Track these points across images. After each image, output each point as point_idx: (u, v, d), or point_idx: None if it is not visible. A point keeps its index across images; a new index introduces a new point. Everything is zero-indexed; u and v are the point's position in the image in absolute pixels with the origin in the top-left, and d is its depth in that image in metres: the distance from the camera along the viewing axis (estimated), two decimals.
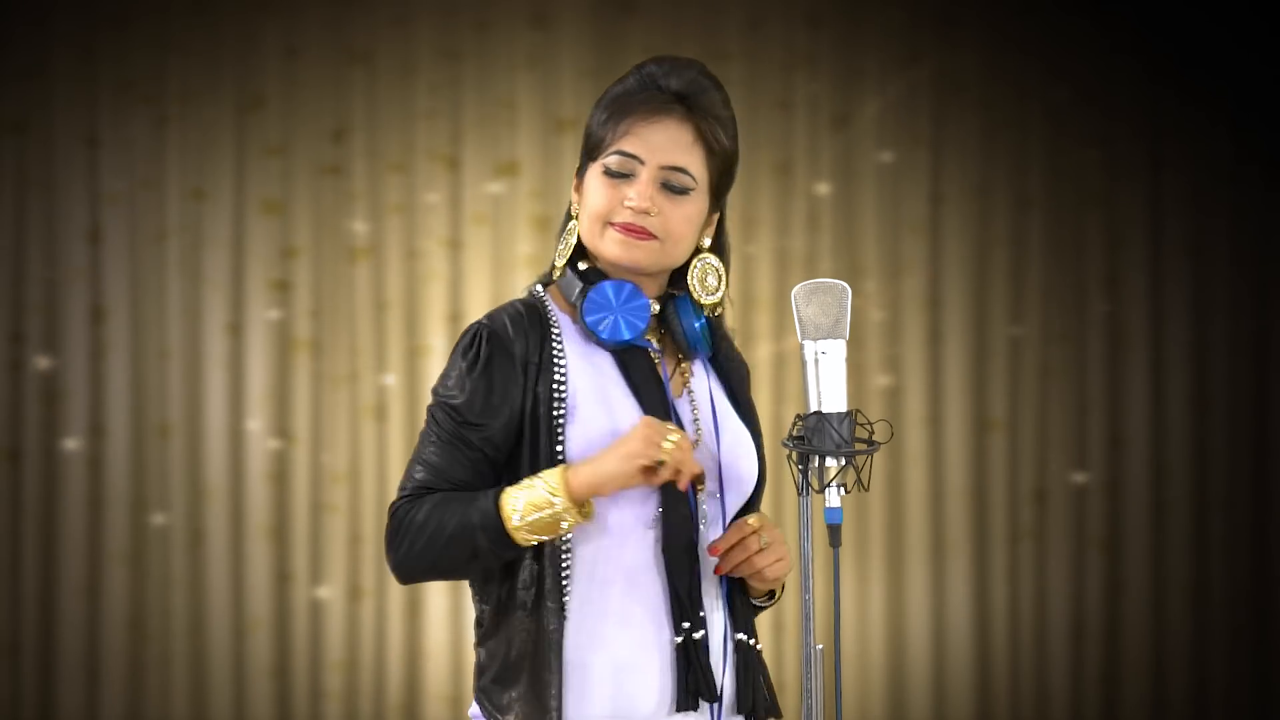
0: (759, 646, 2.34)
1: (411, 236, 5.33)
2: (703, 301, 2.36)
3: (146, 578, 5.28)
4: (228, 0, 5.32)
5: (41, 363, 5.28)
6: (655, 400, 2.29)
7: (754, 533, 2.28)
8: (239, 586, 5.29)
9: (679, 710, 2.27)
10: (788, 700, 5.40)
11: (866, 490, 2.13)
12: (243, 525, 5.29)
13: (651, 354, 2.34)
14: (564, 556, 2.26)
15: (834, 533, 2.12)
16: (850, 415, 2.10)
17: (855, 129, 5.42)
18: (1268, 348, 5.46)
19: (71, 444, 5.26)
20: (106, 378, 5.28)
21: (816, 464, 2.10)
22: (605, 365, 2.32)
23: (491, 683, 2.29)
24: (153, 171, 5.29)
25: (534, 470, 2.25)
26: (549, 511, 2.21)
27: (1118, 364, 5.46)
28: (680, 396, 2.35)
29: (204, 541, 5.28)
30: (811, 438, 2.09)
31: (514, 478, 2.26)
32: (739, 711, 2.32)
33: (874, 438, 2.12)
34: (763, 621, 2.41)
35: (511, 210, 5.32)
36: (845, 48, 5.42)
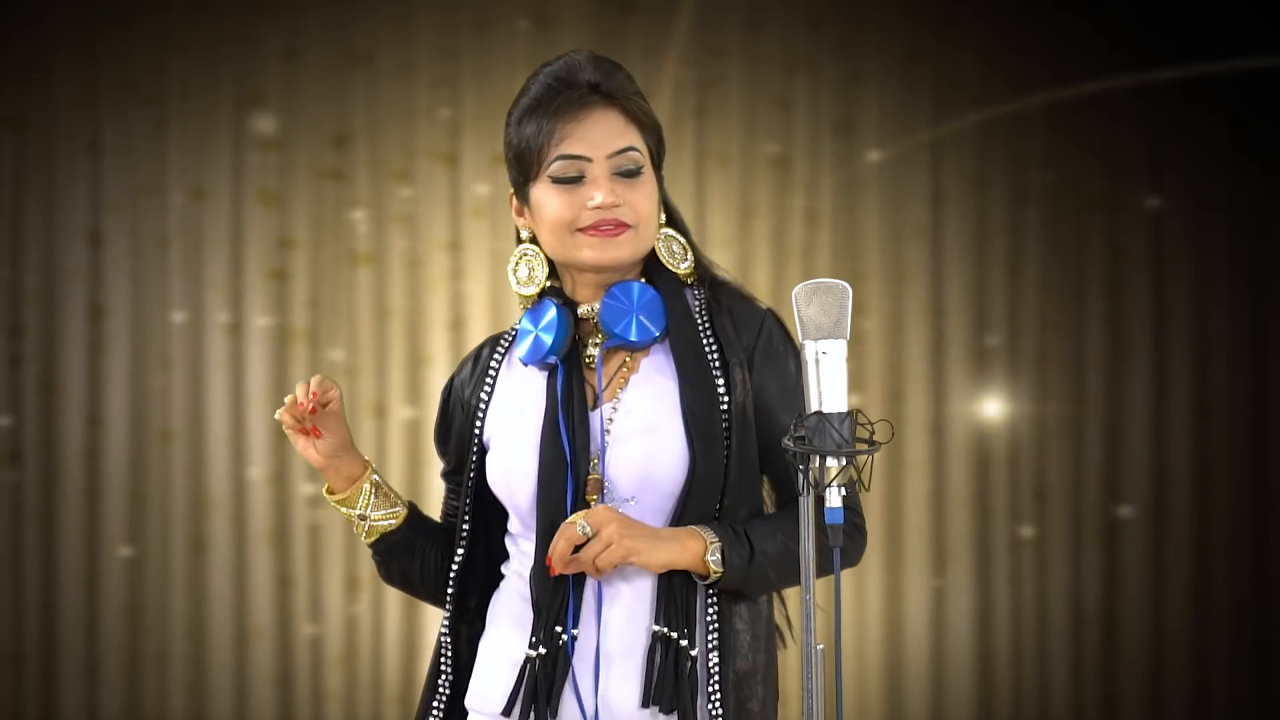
0: (684, 643, 2.26)
1: (412, 236, 5.33)
2: (679, 270, 2.36)
3: (145, 577, 5.28)
4: (228, 0, 5.32)
5: (38, 363, 5.28)
6: (557, 415, 2.29)
7: (571, 524, 2.24)
8: (239, 587, 5.29)
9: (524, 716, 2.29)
10: (788, 700, 5.40)
11: (867, 490, 2.13)
12: (243, 528, 5.29)
13: (584, 361, 2.35)
14: (454, 565, 2.39)
15: (834, 533, 2.12)
16: (851, 415, 2.10)
17: (855, 129, 5.42)
18: (1268, 347, 5.46)
19: (71, 443, 5.27)
20: (106, 376, 5.28)
21: (817, 464, 2.10)
22: (538, 385, 2.35)
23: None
24: (153, 172, 5.29)
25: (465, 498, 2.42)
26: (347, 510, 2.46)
27: (1118, 363, 5.46)
28: (614, 397, 2.32)
29: (204, 543, 5.28)
30: (812, 438, 2.09)
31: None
32: (648, 705, 2.25)
33: (874, 438, 2.12)
34: None
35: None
36: (845, 48, 5.42)
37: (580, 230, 2.29)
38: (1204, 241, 5.46)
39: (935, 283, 5.44)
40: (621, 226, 2.29)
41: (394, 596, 5.29)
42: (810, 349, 2.12)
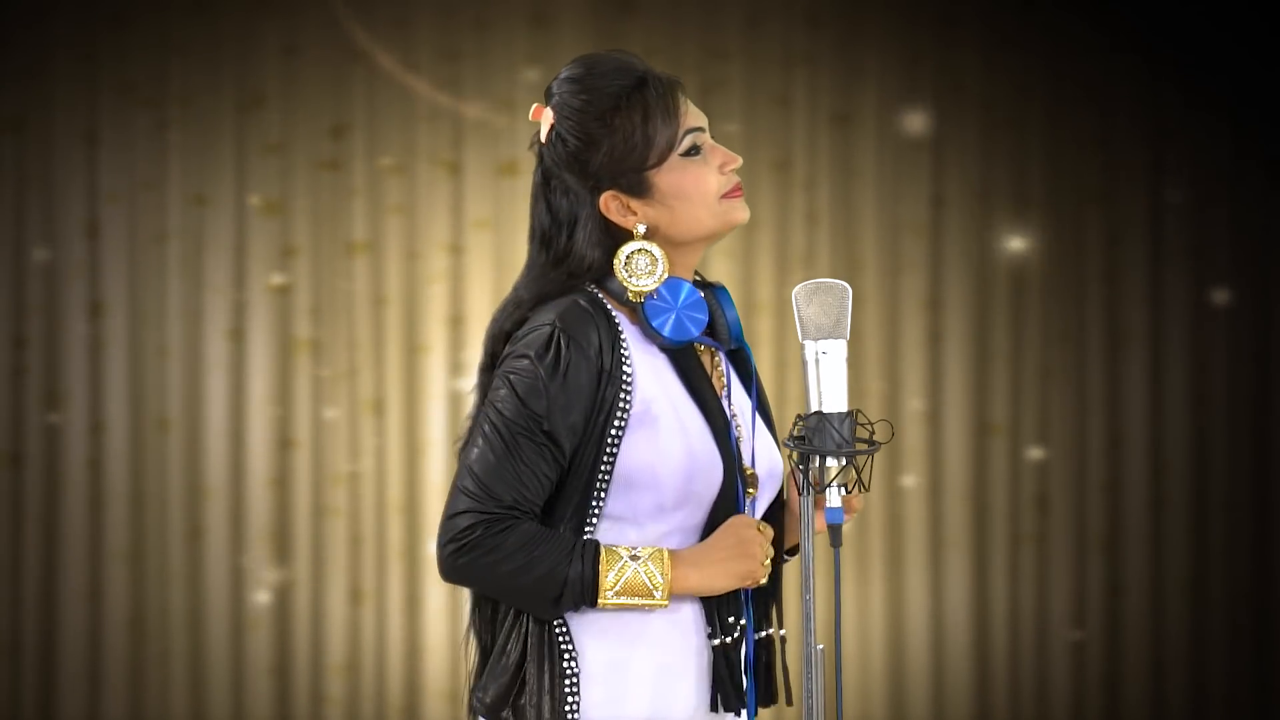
0: (783, 633, 2.35)
1: (412, 237, 5.33)
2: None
3: (145, 575, 5.29)
4: (228, 0, 5.32)
5: (38, 357, 5.28)
6: (714, 405, 2.28)
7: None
8: (239, 585, 5.29)
9: (712, 710, 2.28)
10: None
11: (867, 490, 2.13)
12: (242, 524, 5.29)
13: (700, 350, 2.34)
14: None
15: (835, 533, 2.12)
16: (851, 415, 2.10)
17: (855, 128, 5.42)
18: (1268, 347, 5.46)
19: (71, 439, 5.27)
20: (105, 373, 5.28)
21: (817, 464, 2.10)
22: (664, 369, 2.30)
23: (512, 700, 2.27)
24: (152, 172, 5.29)
25: (573, 473, 2.23)
26: (644, 601, 2.21)
27: (1118, 363, 5.46)
28: (720, 394, 2.34)
29: (203, 539, 5.28)
30: (812, 438, 2.09)
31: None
32: (766, 704, 2.34)
33: (874, 437, 2.12)
34: None
35: (511, 209, 5.32)
36: (845, 48, 5.42)
37: (724, 196, 2.31)
38: (1204, 241, 5.46)
39: (934, 281, 5.44)
40: (740, 186, 2.34)
41: (395, 597, 5.29)
42: (810, 349, 2.12)
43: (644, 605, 2.20)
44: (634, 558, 2.21)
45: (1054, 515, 5.45)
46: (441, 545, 2.21)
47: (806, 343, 2.12)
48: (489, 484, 2.20)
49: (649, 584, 2.20)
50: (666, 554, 2.22)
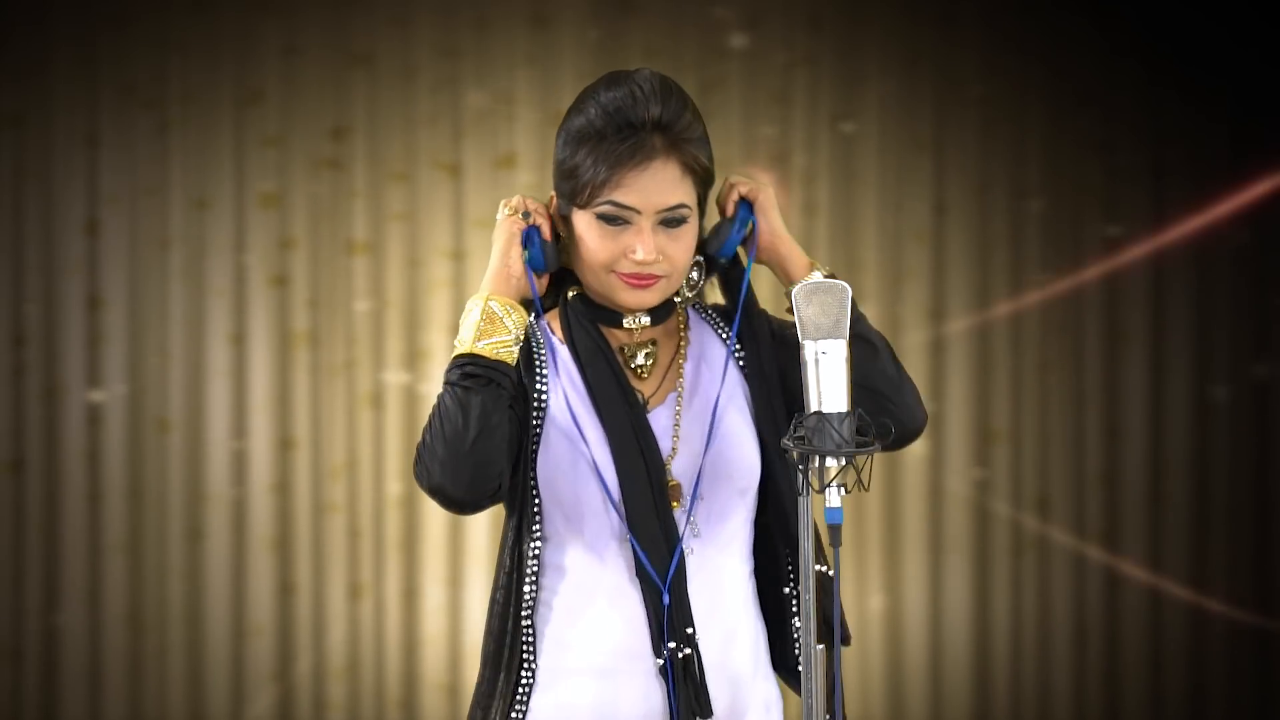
0: (831, 573, 2.33)
1: (412, 236, 5.33)
2: (685, 294, 2.43)
3: (145, 573, 5.29)
4: (227, 0, 5.32)
5: (40, 357, 5.29)
6: (619, 416, 2.32)
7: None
8: (239, 584, 5.30)
9: None
10: (788, 700, 5.41)
11: (866, 490, 2.12)
12: (243, 524, 5.29)
13: (618, 361, 2.38)
14: (529, 563, 2.33)
15: (834, 533, 2.12)
16: (850, 415, 2.10)
17: (855, 129, 5.42)
18: (1268, 347, 5.46)
19: (72, 436, 5.27)
20: (105, 372, 5.28)
21: (817, 464, 2.10)
22: (578, 382, 2.37)
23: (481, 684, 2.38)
24: (152, 172, 5.29)
25: (511, 494, 2.34)
26: (474, 312, 2.33)
27: (1118, 363, 5.47)
28: (662, 403, 2.37)
29: (203, 537, 5.29)
30: (812, 438, 2.09)
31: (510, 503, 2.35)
32: (819, 641, 2.35)
33: (874, 437, 2.12)
34: None
35: None
36: (845, 48, 5.42)
37: (615, 272, 2.33)
38: (1205, 241, 5.46)
39: (934, 280, 5.44)
40: (654, 278, 2.34)
41: (394, 598, 5.29)
42: (810, 349, 2.12)
43: (482, 316, 2.32)
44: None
45: (1054, 515, 5.45)
46: (416, 476, 2.34)
47: (806, 343, 2.13)
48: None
49: (465, 314, 2.34)
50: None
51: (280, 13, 5.33)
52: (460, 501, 2.28)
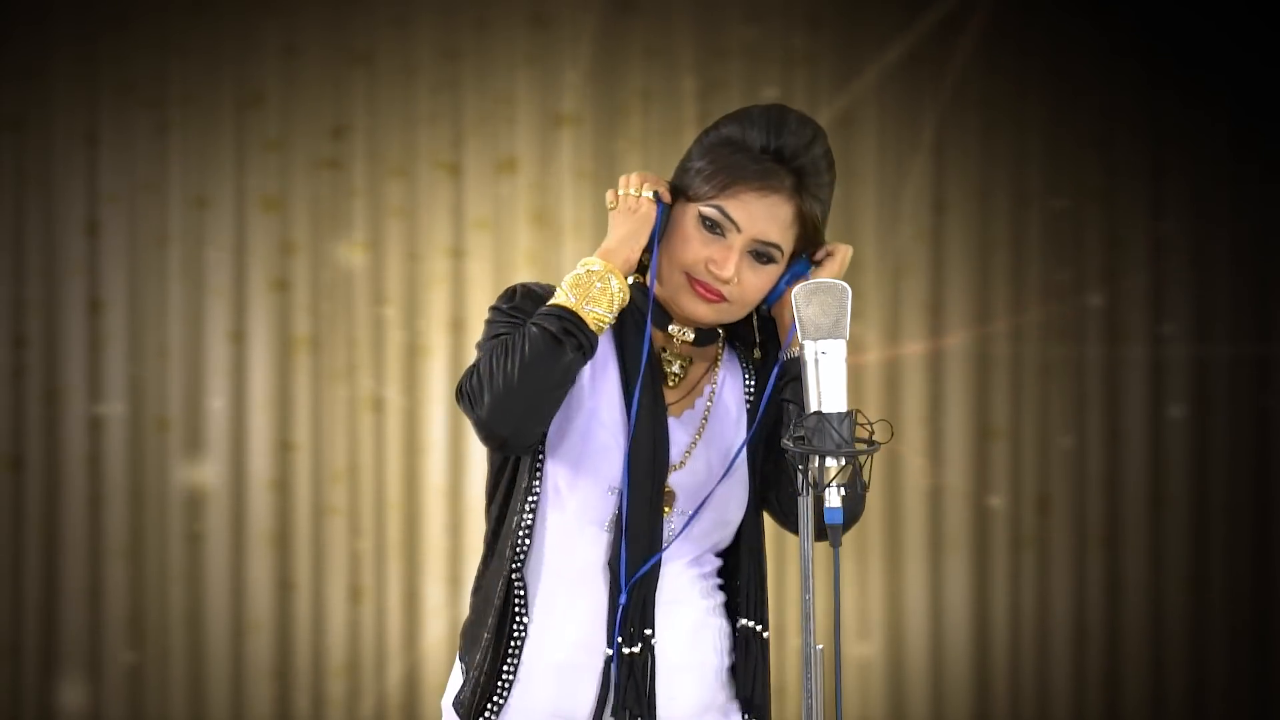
0: (766, 635, 2.40)
1: (412, 237, 5.33)
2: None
3: (146, 574, 5.29)
4: (228, 0, 5.32)
5: (41, 358, 5.28)
6: (644, 406, 2.34)
7: None
8: (238, 584, 5.30)
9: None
10: (789, 700, 5.42)
11: (867, 490, 2.13)
12: (243, 523, 5.29)
13: (667, 358, 2.42)
14: (519, 536, 2.34)
15: (834, 533, 2.12)
16: (850, 415, 2.10)
17: (855, 129, 5.42)
18: (1268, 347, 5.46)
19: (72, 437, 5.27)
20: (105, 372, 5.28)
21: (816, 464, 2.10)
22: (611, 366, 2.39)
23: (468, 633, 2.40)
24: (152, 171, 5.29)
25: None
26: (582, 270, 2.31)
27: (1117, 363, 5.46)
28: (691, 408, 2.41)
29: (203, 539, 5.28)
30: (811, 438, 2.09)
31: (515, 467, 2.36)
32: (736, 696, 2.40)
33: (874, 438, 2.12)
34: None
35: (511, 207, 5.32)
36: (845, 48, 5.42)
37: (691, 277, 2.35)
38: (1205, 241, 5.46)
39: (934, 278, 5.44)
40: (722, 298, 2.35)
41: (395, 598, 5.29)
42: (810, 349, 2.12)
43: (587, 275, 2.31)
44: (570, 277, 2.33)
45: (1054, 515, 5.45)
46: (460, 399, 2.32)
47: (806, 343, 2.13)
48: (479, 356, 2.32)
49: (582, 267, 2.32)
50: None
51: (280, 13, 5.33)
52: (502, 437, 2.28)
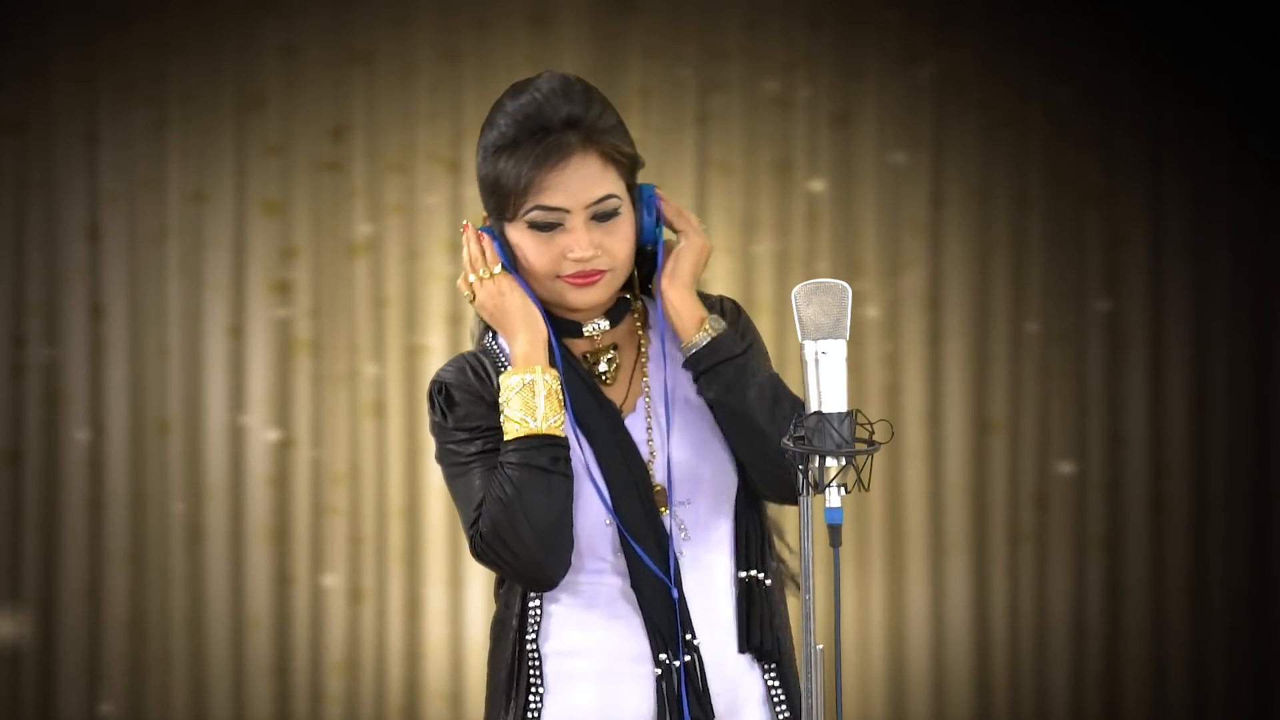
0: (768, 582, 2.37)
1: (412, 236, 5.33)
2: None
3: (146, 576, 5.29)
4: (228, 0, 5.32)
5: (41, 359, 5.28)
6: (605, 436, 2.32)
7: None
8: (239, 585, 5.29)
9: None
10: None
11: (867, 490, 2.12)
12: (243, 523, 5.29)
13: (585, 370, 2.37)
14: (533, 610, 2.34)
15: (834, 533, 2.12)
16: (850, 415, 2.10)
17: (855, 129, 5.42)
18: (1268, 347, 5.45)
19: (74, 438, 5.27)
20: (105, 375, 5.28)
21: (816, 464, 2.09)
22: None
23: (487, 703, 2.38)
24: (153, 173, 5.29)
25: None
26: (518, 384, 2.29)
27: (1117, 363, 5.46)
28: (634, 409, 2.38)
29: (204, 540, 5.28)
30: (811, 438, 2.09)
31: None
32: (747, 649, 2.37)
33: (874, 438, 2.12)
34: None
35: None
36: (845, 48, 5.42)
37: (560, 277, 2.32)
38: (1204, 242, 5.45)
39: (934, 281, 5.44)
40: (599, 273, 2.32)
41: (395, 597, 5.29)
42: (810, 349, 2.12)
43: (521, 387, 2.29)
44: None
45: (1054, 515, 5.44)
46: (485, 561, 2.32)
47: (806, 343, 2.12)
48: (467, 511, 2.31)
49: (517, 386, 2.29)
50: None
51: (280, 13, 5.32)
52: (551, 580, 2.30)
